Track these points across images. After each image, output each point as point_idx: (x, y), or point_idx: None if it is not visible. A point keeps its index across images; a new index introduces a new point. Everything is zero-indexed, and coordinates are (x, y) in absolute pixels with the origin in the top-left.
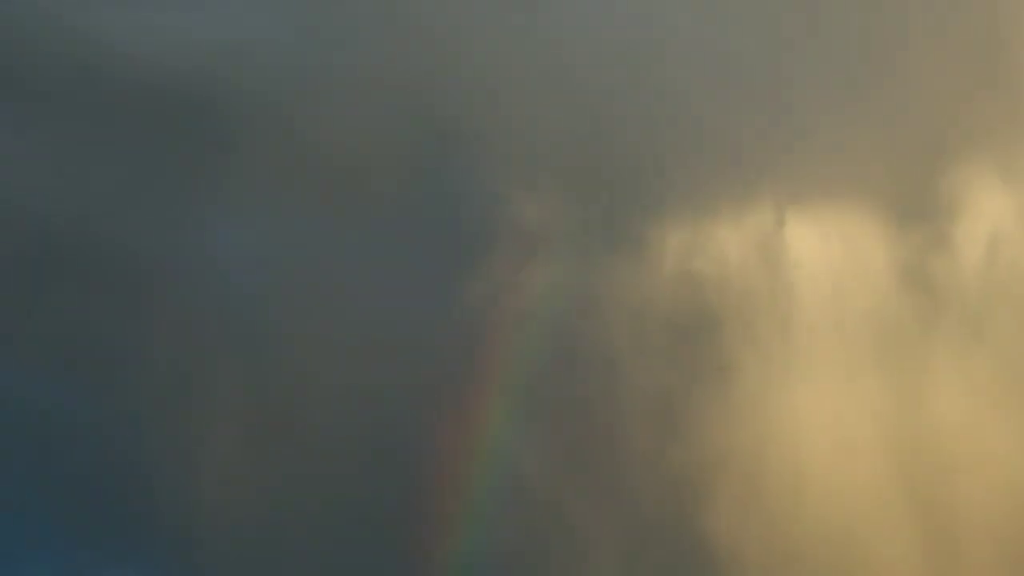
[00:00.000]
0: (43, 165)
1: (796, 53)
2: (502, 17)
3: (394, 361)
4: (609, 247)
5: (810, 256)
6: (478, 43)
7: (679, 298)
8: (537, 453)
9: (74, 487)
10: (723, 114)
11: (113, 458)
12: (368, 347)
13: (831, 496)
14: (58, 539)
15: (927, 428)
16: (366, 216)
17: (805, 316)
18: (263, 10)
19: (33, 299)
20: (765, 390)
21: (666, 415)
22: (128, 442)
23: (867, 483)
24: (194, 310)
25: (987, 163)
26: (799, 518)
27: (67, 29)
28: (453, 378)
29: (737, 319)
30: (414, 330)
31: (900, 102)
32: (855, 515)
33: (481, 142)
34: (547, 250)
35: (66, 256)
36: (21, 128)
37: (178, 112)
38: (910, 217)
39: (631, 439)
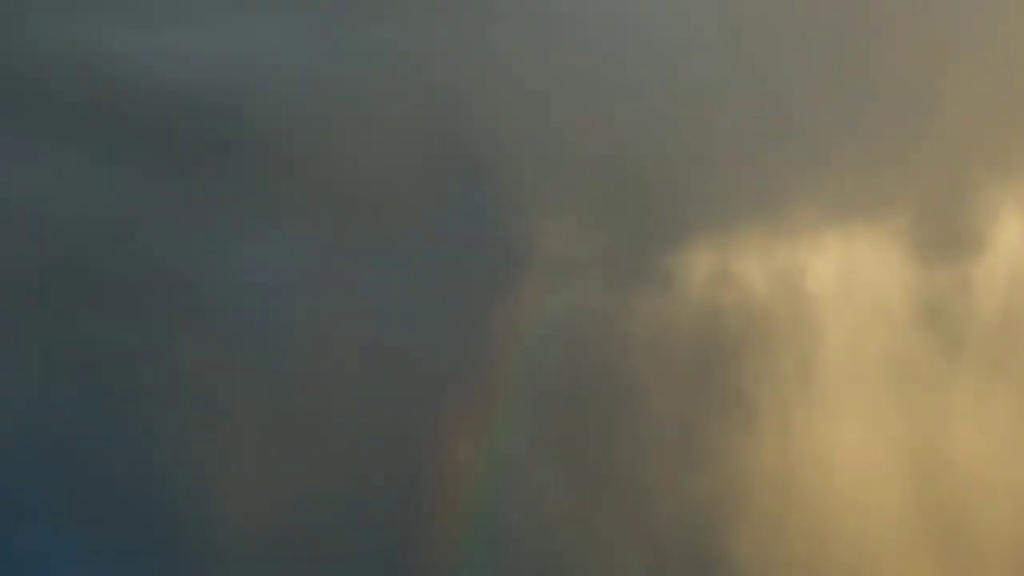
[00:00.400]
0: (65, 186)
1: (826, 85)
2: (527, 43)
3: (414, 384)
4: (633, 275)
5: (832, 287)
6: (502, 69)
7: (702, 327)
8: (557, 481)
9: (96, 500)
10: (750, 143)
11: (134, 472)
12: (389, 370)
13: (853, 526)
14: (81, 552)
15: (949, 460)
16: (389, 240)
17: (827, 347)
18: (288, 34)
19: (56, 317)
20: (787, 421)
21: (687, 444)
22: (150, 456)
23: (888, 512)
24: (217, 331)
25: (1012, 195)
26: (822, 548)
27: (91, 52)
28: (474, 404)
29: (760, 349)
30: (434, 354)
31: (927, 132)
32: (877, 545)
33: (506, 167)
34: (570, 277)
35: (89, 275)
36: (45, 150)
37: (201, 134)
38: (933, 248)
39: (651, 468)
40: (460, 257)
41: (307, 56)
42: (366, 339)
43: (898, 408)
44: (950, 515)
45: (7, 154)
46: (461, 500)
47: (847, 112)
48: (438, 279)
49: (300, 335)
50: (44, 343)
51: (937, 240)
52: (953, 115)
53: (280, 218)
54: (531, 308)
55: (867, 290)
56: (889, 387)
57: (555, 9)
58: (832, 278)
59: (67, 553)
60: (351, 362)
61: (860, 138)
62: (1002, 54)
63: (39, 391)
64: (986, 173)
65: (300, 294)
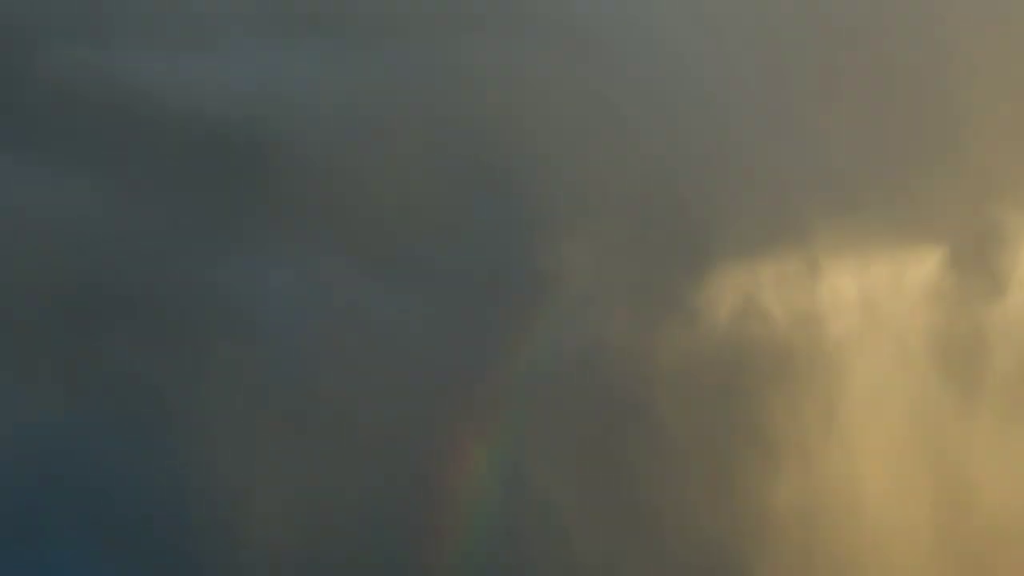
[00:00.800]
0: (88, 210)
1: (857, 122)
2: (552, 67)
3: (434, 411)
4: (657, 305)
5: (857, 322)
6: (528, 94)
7: (725, 360)
8: (577, 512)
9: (121, 522)
10: (780, 177)
11: (159, 494)
12: (411, 396)
13: (877, 561)
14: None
15: (973, 495)
16: (412, 264)
17: (850, 383)
18: (302, 56)
19: (80, 339)
20: (809, 457)
21: (710, 478)
22: (174, 478)
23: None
24: (240, 352)
25: None
26: None
27: (115, 77)
28: (492, 432)
29: (783, 383)
30: (452, 378)
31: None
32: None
33: (529, 193)
34: (594, 305)
35: (112, 298)
36: (68, 173)
37: (224, 157)
38: (959, 286)
39: (674, 501)
40: (482, 282)
41: (329, 79)
42: (388, 363)
43: (921, 444)
44: (974, 549)
45: (32, 179)
46: (477, 528)
47: (877, 149)
48: (454, 304)
49: (323, 356)
50: (66, 365)
51: (964, 277)
52: (983, 152)
53: (303, 240)
54: (553, 336)
55: (890, 326)
56: (913, 427)
57: (585, 35)
58: (857, 313)
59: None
60: (375, 385)
61: (889, 175)
62: None
63: (63, 412)
64: (1015, 212)
65: (324, 316)
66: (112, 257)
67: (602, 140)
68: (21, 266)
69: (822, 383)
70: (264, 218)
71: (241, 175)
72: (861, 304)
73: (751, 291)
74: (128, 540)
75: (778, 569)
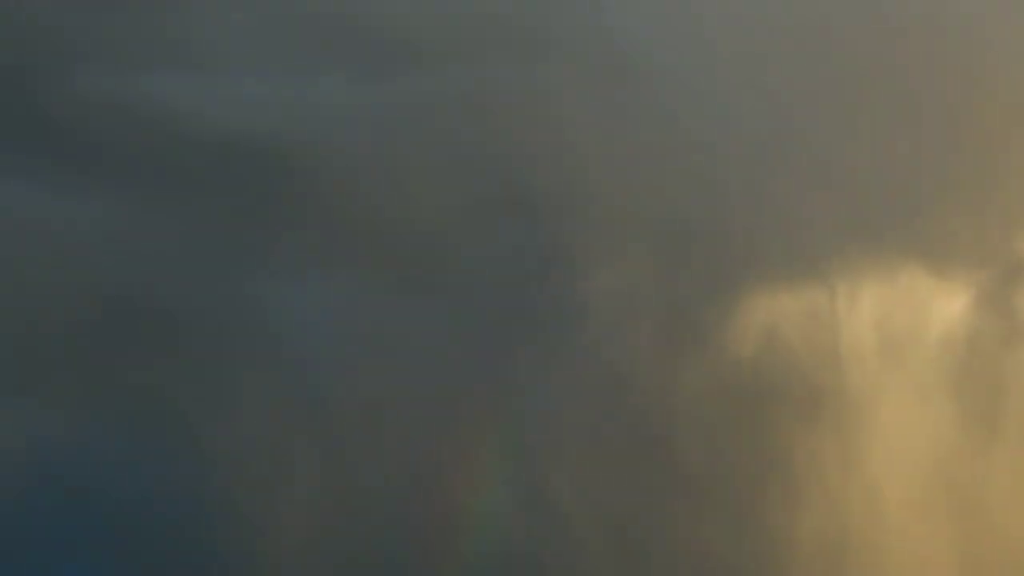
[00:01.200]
0: (116, 231)
1: (876, 150)
2: (582, 94)
3: (458, 432)
4: (680, 334)
5: (878, 350)
6: (555, 119)
7: (747, 391)
8: (595, 535)
9: (142, 543)
10: (803, 207)
11: (181, 514)
12: (435, 417)
13: None
14: None
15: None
16: (438, 287)
17: (871, 412)
18: (330, 81)
19: (105, 360)
20: (828, 479)
21: (730, 501)
22: (197, 498)
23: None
24: (266, 374)
25: None
26: None
27: (144, 100)
28: (513, 455)
29: (805, 415)
30: (475, 401)
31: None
32: None
33: (559, 214)
34: (616, 329)
35: (132, 319)
36: (96, 195)
37: (251, 180)
38: (983, 314)
39: (691, 522)
40: (508, 308)
41: (356, 103)
42: (412, 384)
43: (944, 477)
44: None
45: (61, 199)
46: (494, 552)
47: (898, 178)
48: (483, 325)
49: (348, 378)
50: (92, 380)
51: (989, 305)
52: (1011, 190)
53: (329, 260)
54: (576, 358)
55: (913, 364)
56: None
57: (620, 66)
58: (878, 341)
59: None
60: (399, 406)
61: (916, 212)
62: None
63: (87, 427)
64: None
65: (349, 338)
66: (138, 275)
67: (631, 171)
68: (47, 283)
69: (844, 419)
70: (290, 238)
71: (267, 196)
72: (884, 342)
73: (775, 326)
74: (152, 554)
75: None
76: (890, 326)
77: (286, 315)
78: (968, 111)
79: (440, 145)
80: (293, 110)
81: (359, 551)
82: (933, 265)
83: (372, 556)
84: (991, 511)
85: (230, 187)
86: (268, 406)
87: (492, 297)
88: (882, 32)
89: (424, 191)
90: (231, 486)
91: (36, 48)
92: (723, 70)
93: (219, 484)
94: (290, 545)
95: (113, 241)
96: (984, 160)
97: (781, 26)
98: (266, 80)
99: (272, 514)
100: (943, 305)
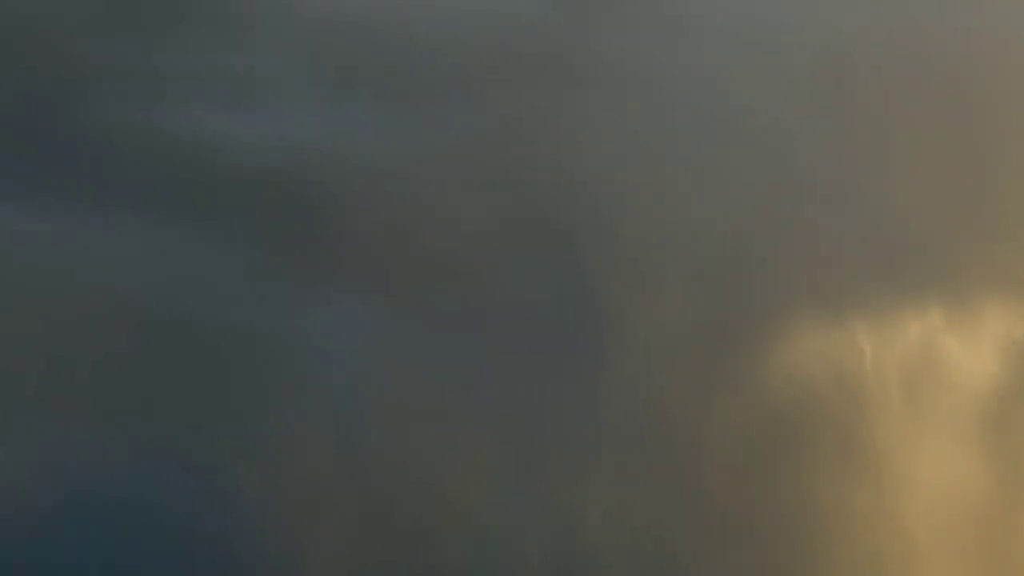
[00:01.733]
0: (148, 259)
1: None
2: (616, 119)
3: (491, 457)
4: (708, 370)
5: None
6: (589, 142)
7: (773, 426)
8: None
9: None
10: (831, 245)
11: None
12: (467, 442)
13: None
14: None
15: None
16: (472, 312)
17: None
18: (361, 106)
19: (138, 386)
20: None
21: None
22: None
23: None
24: (298, 397)
25: None
26: None
27: (178, 130)
28: (548, 478)
29: (832, 452)
30: (513, 426)
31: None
32: None
33: (593, 241)
34: (652, 354)
35: (167, 348)
36: (124, 221)
37: (280, 207)
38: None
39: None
40: (539, 338)
41: (386, 133)
42: (442, 411)
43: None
44: None
45: (96, 228)
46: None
47: (934, 223)
48: (515, 351)
49: (378, 401)
50: (125, 415)
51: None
52: None
53: (360, 290)
54: (610, 383)
55: (939, 403)
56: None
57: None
58: (906, 388)
59: None
60: (430, 430)
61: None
62: None
63: (122, 459)
64: None
65: (381, 361)
66: (173, 304)
67: (660, 203)
68: (82, 313)
69: (874, 462)
70: (320, 266)
71: (297, 226)
72: (910, 380)
73: (806, 365)
74: None
75: None
76: (921, 371)
77: (318, 342)
78: (1005, 156)
79: (470, 173)
80: (324, 140)
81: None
82: (965, 311)
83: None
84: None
85: (261, 217)
86: (302, 435)
87: (524, 325)
88: (917, 76)
89: (454, 219)
90: (265, 515)
91: (74, 78)
92: (762, 107)
93: (253, 514)
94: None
95: (148, 270)
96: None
97: (819, 67)
98: (298, 111)
99: (308, 541)
100: (973, 352)
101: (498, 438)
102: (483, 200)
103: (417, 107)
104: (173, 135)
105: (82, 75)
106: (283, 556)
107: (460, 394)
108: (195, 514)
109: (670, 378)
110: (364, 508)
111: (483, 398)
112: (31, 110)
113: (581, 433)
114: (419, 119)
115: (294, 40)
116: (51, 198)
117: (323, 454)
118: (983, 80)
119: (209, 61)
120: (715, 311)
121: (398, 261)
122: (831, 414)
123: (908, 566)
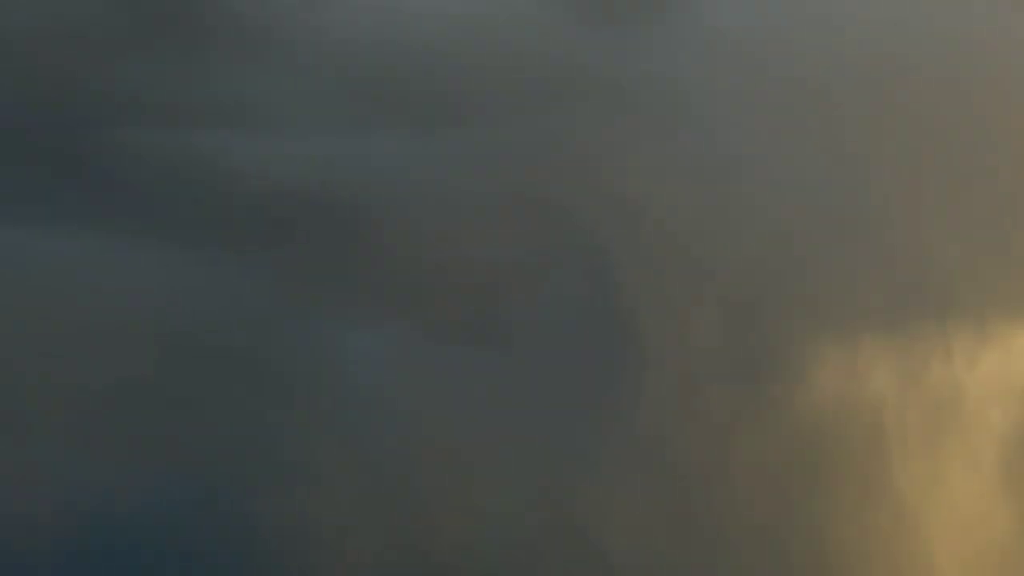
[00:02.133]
0: (174, 283)
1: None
2: (645, 145)
3: (523, 480)
4: (743, 383)
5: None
6: (619, 169)
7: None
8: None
9: None
10: (865, 268)
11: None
12: (499, 466)
13: None
14: None
15: None
16: (506, 336)
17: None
18: (385, 129)
19: (166, 410)
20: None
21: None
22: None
23: None
24: (325, 421)
25: None
26: None
27: (187, 149)
28: (580, 504)
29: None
30: (541, 451)
31: None
32: None
33: (622, 267)
34: (679, 381)
35: (187, 371)
36: (144, 245)
37: (308, 232)
38: None
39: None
40: (569, 353)
41: (410, 156)
42: (484, 432)
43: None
44: None
45: (114, 252)
46: None
47: (966, 248)
48: (547, 378)
49: (406, 426)
50: (148, 437)
51: None
52: None
53: (386, 314)
54: (637, 409)
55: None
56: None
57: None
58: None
59: None
60: (461, 454)
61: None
62: None
63: (143, 485)
64: None
65: (409, 385)
66: (193, 327)
67: (688, 231)
68: (100, 336)
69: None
70: (346, 290)
71: (321, 250)
72: (933, 415)
73: (827, 395)
74: None
75: None
76: (943, 406)
77: (345, 366)
78: None
79: (498, 197)
80: (351, 163)
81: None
82: (988, 346)
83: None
84: None
85: (284, 241)
86: (328, 461)
87: (552, 350)
88: (946, 111)
89: (481, 243)
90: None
91: (101, 102)
92: (792, 133)
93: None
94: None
95: (168, 294)
96: None
97: (851, 93)
98: (325, 135)
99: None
100: (996, 387)
101: (526, 464)
102: (511, 224)
103: (445, 130)
104: (200, 159)
105: (109, 100)
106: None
107: (489, 419)
108: (217, 540)
109: (696, 406)
110: (390, 535)
111: (512, 424)
112: (59, 136)
113: (607, 458)
114: (447, 142)
115: (323, 64)
116: (78, 223)
117: (348, 480)
118: (1012, 112)
119: (237, 86)
120: (742, 340)
121: (428, 285)
122: (854, 447)
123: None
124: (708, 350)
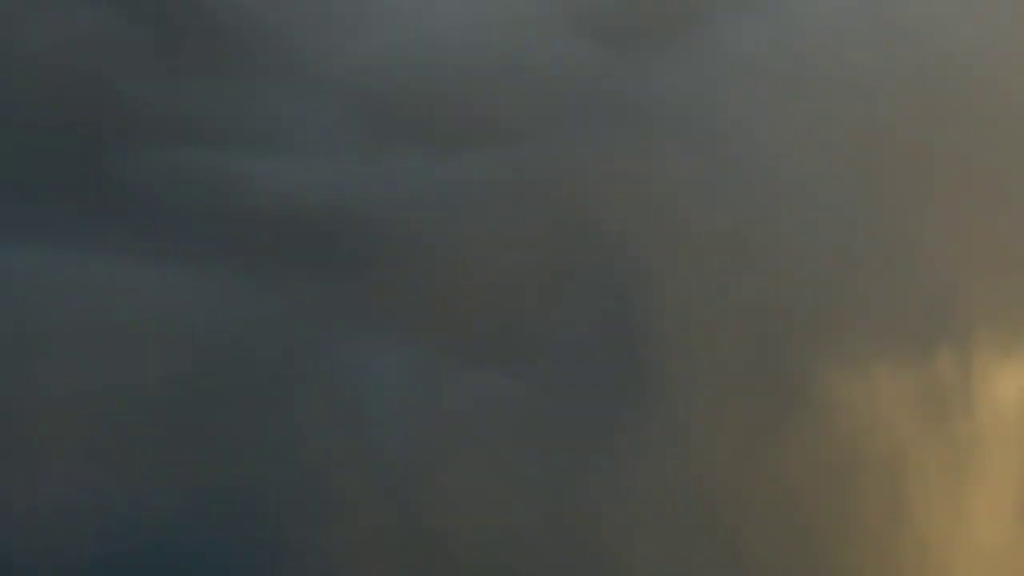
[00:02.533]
0: (187, 303)
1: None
2: (666, 166)
3: (537, 506)
4: (762, 409)
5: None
6: (637, 191)
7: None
8: None
9: None
10: (886, 294)
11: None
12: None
13: None
14: None
15: None
16: (517, 355)
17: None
18: (405, 151)
19: (191, 426)
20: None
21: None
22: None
23: None
24: (341, 437)
25: None
26: None
27: (210, 175)
28: (599, 530)
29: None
30: (560, 478)
31: None
32: None
33: (639, 293)
34: (698, 407)
35: (209, 392)
36: (165, 266)
37: (325, 251)
38: None
39: None
40: (586, 378)
41: (430, 178)
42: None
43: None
44: None
45: (135, 273)
46: None
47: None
48: (560, 398)
49: (424, 445)
50: (167, 452)
51: None
52: None
53: (407, 335)
54: (655, 435)
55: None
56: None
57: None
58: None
59: None
60: (480, 478)
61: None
62: None
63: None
64: None
65: (425, 405)
66: (214, 348)
67: (707, 257)
68: (122, 357)
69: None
70: (365, 311)
71: (341, 271)
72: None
73: (847, 420)
74: None
75: None
76: (966, 429)
77: (363, 389)
78: None
79: (512, 221)
80: (365, 185)
81: None
82: (1011, 367)
83: None
84: None
85: (303, 261)
86: (350, 484)
87: (568, 375)
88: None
89: (497, 266)
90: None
91: (117, 124)
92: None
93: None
94: None
95: (184, 316)
96: None
97: (879, 113)
98: (339, 157)
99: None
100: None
101: (544, 488)
102: (525, 248)
103: (458, 153)
104: (217, 180)
105: (127, 120)
106: None
107: (506, 443)
108: (245, 566)
109: (715, 432)
110: (408, 559)
111: (532, 445)
112: (76, 155)
113: (626, 484)
114: (465, 164)
115: (337, 87)
116: (94, 243)
117: (371, 504)
118: None
119: (250, 107)
120: (761, 365)
121: (446, 307)
122: (876, 471)
123: None
124: (727, 377)
